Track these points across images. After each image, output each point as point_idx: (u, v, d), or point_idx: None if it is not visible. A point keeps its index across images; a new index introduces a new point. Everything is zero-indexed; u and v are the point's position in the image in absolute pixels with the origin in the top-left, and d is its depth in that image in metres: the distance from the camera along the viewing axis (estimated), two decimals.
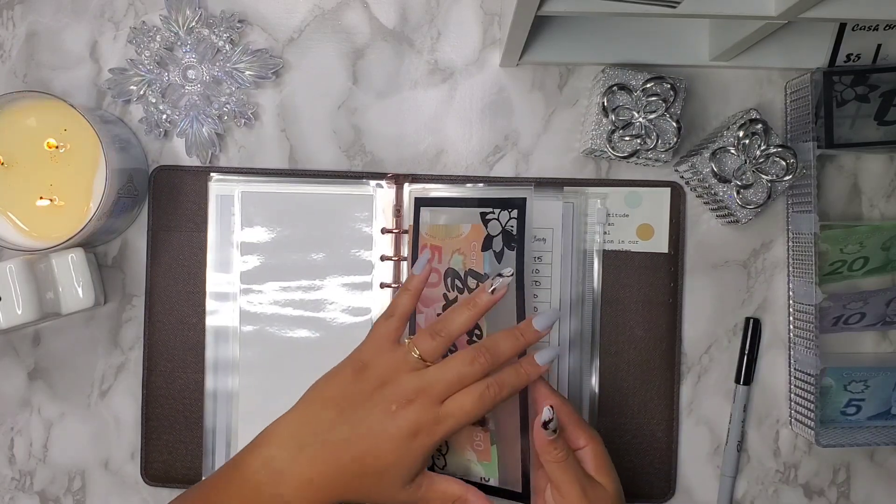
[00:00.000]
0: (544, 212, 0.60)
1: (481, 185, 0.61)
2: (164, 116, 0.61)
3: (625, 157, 0.58)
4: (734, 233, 0.63)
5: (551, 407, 0.47)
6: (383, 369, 0.48)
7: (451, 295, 0.54)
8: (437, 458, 0.54)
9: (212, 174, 0.61)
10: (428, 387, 0.47)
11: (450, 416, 0.47)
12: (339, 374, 0.50)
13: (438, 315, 0.54)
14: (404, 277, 0.60)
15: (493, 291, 0.49)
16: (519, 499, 0.51)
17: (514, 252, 0.51)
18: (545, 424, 0.47)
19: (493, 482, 0.52)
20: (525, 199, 0.51)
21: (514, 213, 0.51)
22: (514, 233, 0.51)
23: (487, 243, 0.52)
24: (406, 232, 0.60)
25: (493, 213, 0.52)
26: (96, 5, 0.62)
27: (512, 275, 0.49)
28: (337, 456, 0.47)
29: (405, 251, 0.60)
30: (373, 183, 0.61)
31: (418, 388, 0.47)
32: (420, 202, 0.55)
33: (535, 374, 0.49)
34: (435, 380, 0.47)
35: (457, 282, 0.53)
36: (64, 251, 0.57)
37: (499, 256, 0.52)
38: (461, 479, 0.52)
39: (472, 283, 0.53)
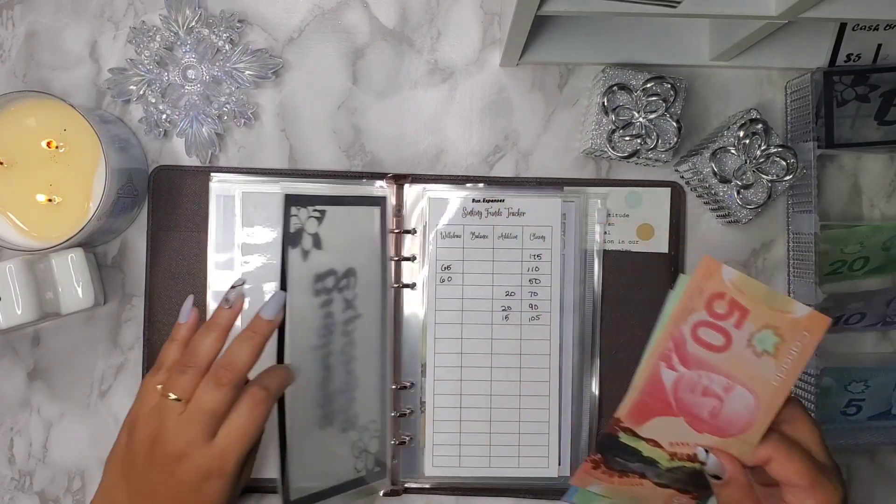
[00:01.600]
0: (543, 210, 0.60)
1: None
2: (164, 116, 0.61)
3: (625, 157, 0.58)
4: (734, 233, 0.63)
5: (706, 450, 0.44)
6: (150, 426, 0.47)
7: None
8: None
9: (212, 174, 0.60)
10: (191, 432, 0.45)
11: (230, 447, 0.46)
12: (117, 442, 0.49)
13: None
14: (405, 277, 0.60)
15: (231, 307, 0.49)
16: None
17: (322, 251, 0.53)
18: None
19: None
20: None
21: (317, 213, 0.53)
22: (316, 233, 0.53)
23: (295, 239, 0.54)
24: (407, 232, 0.60)
25: (295, 210, 0.54)
26: (96, 5, 0.62)
27: (243, 283, 0.49)
28: None
29: (406, 251, 0.60)
30: (378, 183, 0.60)
31: (183, 438, 0.45)
32: (291, 200, 0.55)
33: (270, 329, 0.49)
34: (194, 421, 0.46)
35: None
36: (64, 251, 0.56)
37: (304, 255, 0.54)
38: None
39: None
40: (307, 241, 0.55)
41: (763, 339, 0.43)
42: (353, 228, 0.58)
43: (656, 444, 0.45)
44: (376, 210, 0.59)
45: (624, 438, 0.45)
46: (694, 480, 0.46)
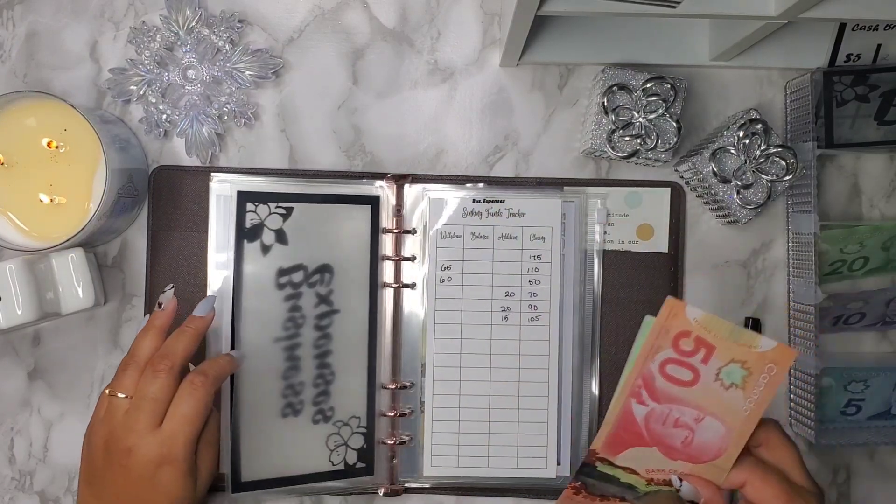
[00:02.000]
0: (543, 210, 0.60)
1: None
2: (164, 116, 0.61)
3: (625, 157, 0.58)
4: (734, 233, 0.63)
5: (679, 478, 0.45)
6: (103, 430, 0.49)
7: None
8: None
9: (213, 174, 0.60)
10: (138, 422, 0.48)
11: (176, 432, 0.48)
12: (82, 452, 0.51)
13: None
14: (405, 277, 0.60)
15: (163, 309, 0.52)
16: None
17: (289, 247, 0.57)
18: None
19: None
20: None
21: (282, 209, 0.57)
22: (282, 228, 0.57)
23: (252, 234, 0.57)
24: (407, 232, 0.60)
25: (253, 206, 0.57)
26: (96, 5, 0.62)
27: (172, 287, 0.54)
28: None
29: (405, 251, 0.60)
30: (378, 183, 0.60)
31: (131, 429, 0.48)
32: (245, 196, 0.57)
33: (203, 325, 0.52)
34: (139, 410, 0.48)
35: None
36: (64, 251, 0.56)
37: (265, 249, 0.57)
38: None
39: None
40: (268, 237, 0.57)
41: (730, 372, 0.43)
42: (332, 226, 0.58)
43: (633, 471, 0.46)
44: (366, 209, 0.59)
45: (601, 467, 0.46)
46: (672, 503, 0.46)
